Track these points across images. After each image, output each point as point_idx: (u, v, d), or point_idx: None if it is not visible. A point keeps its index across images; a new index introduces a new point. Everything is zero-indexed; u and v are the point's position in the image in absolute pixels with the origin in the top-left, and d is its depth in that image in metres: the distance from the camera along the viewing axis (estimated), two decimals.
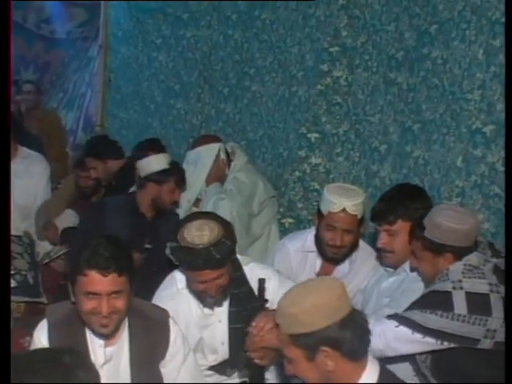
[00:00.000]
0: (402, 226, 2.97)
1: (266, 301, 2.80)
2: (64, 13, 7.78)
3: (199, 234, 2.65)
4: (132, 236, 3.71)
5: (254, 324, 2.68)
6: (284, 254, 3.51)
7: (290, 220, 4.55)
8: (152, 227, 3.92)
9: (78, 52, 7.42)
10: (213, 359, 2.93)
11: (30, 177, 4.65)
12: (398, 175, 4.13)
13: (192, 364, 2.70)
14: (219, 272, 2.69)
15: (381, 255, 3.19)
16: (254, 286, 2.80)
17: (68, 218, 4.86)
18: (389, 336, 2.59)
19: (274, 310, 2.74)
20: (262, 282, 2.73)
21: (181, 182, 4.10)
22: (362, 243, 3.43)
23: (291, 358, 2.02)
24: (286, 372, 2.08)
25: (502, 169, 3.62)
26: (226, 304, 2.87)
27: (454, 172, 3.84)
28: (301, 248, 3.45)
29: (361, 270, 3.42)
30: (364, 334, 2.04)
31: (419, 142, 4.02)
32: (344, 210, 3.17)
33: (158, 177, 3.97)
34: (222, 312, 2.88)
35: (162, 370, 2.62)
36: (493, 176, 3.68)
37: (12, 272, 4.17)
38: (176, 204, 4.12)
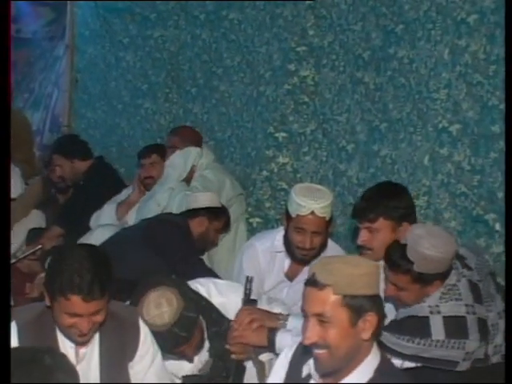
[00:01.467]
0: (382, 224, 2.93)
1: (255, 301, 2.82)
2: (30, 12, 7.68)
3: (159, 313, 2.58)
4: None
5: (235, 318, 2.69)
6: (252, 253, 3.45)
7: (258, 219, 4.55)
8: None
9: (44, 52, 7.34)
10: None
11: None
12: (366, 174, 4.14)
13: (159, 365, 2.65)
14: (189, 343, 2.67)
15: (360, 251, 3.14)
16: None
17: (35, 219, 4.84)
18: None
19: (254, 307, 2.78)
20: (248, 280, 2.74)
21: (226, 226, 4.12)
22: (330, 243, 3.41)
23: (333, 319, 1.95)
24: (307, 340, 1.98)
25: (469, 167, 3.66)
26: (205, 347, 2.82)
27: (421, 171, 3.86)
28: (269, 248, 3.41)
29: None
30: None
31: (386, 141, 4.03)
32: (313, 212, 3.12)
33: (215, 213, 3.98)
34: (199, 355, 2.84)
35: (130, 371, 2.58)
36: (459, 175, 3.70)
37: None
38: (215, 245, 4.13)
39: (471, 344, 2.53)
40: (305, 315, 2.01)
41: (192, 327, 2.62)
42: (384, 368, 2.03)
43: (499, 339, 2.62)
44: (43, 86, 7.13)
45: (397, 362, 2.55)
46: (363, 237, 2.98)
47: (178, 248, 3.65)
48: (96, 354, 2.52)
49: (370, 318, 1.96)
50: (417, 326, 2.56)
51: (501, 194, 3.52)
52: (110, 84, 5.78)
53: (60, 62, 6.48)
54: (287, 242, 3.29)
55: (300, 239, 3.20)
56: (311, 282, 1.98)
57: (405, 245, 2.63)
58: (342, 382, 2.01)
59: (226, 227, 4.11)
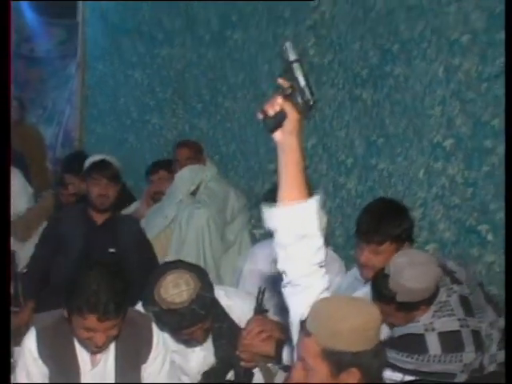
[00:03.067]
0: (388, 247, 2.81)
1: (266, 311, 2.75)
2: (44, 32, 7.75)
3: (178, 292, 2.54)
4: None
5: (245, 327, 2.64)
6: (254, 260, 3.45)
7: (261, 231, 4.51)
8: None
9: (56, 70, 7.40)
10: (186, 379, 2.88)
11: (16, 187, 4.65)
12: (364, 187, 4.14)
13: (169, 367, 2.68)
14: (204, 323, 2.64)
15: (360, 267, 3.03)
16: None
17: None
18: None
19: (265, 317, 2.72)
20: (261, 290, 2.69)
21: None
22: (329, 252, 3.34)
23: (314, 368, 1.84)
24: (294, 377, 1.90)
25: (462, 181, 3.66)
26: (210, 341, 2.79)
27: (417, 184, 3.86)
28: (269, 255, 3.40)
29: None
30: (384, 365, 1.95)
31: (383, 155, 4.04)
32: None
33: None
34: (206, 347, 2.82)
35: (143, 373, 2.61)
36: (453, 188, 3.70)
37: None
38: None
39: (468, 356, 2.51)
40: (296, 355, 1.92)
41: (209, 306, 2.58)
42: None
43: (494, 349, 2.61)
44: (56, 102, 7.19)
45: (397, 375, 2.54)
46: (367, 257, 2.87)
47: None
48: (111, 359, 2.56)
49: (353, 373, 1.81)
50: (414, 343, 2.53)
51: (493, 206, 3.52)
52: (119, 100, 5.82)
53: (72, 79, 6.54)
54: None
55: None
56: (302, 326, 1.89)
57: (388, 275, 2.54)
58: None
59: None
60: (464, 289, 2.67)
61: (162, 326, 2.65)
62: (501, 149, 3.47)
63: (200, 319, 2.58)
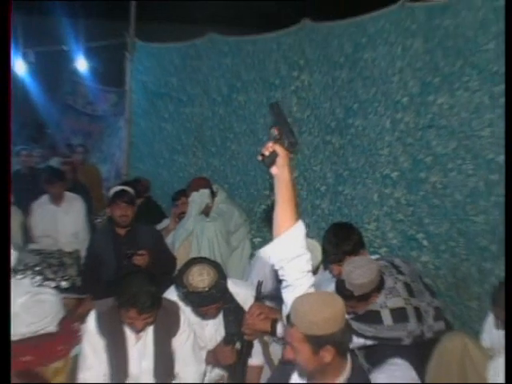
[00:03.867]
0: (348, 258, 2.80)
1: (264, 298, 2.74)
2: (101, 97, 7.86)
3: (201, 279, 2.56)
4: None
5: (248, 311, 2.62)
6: (258, 261, 3.41)
7: (259, 239, 4.51)
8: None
9: (110, 124, 7.45)
10: (201, 343, 2.85)
11: (73, 212, 4.68)
12: (334, 207, 4.14)
13: (192, 340, 2.67)
14: (218, 303, 2.65)
15: (332, 274, 3.01)
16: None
17: None
18: None
19: (262, 303, 2.70)
20: (259, 283, 2.67)
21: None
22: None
23: (298, 349, 1.84)
24: (286, 356, 1.89)
25: (405, 202, 3.65)
26: (220, 316, 2.80)
27: (372, 204, 3.86)
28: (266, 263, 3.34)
29: None
30: (351, 336, 1.95)
31: (348, 183, 4.04)
32: None
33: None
34: (217, 322, 2.81)
35: (173, 344, 2.61)
36: (398, 207, 3.70)
37: (66, 277, 4.13)
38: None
39: (411, 326, 2.52)
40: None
41: (223, 291, 2.61)
42: (353, 378, 1.92)
43: (431, 321, 2.60)
44: (110, 147, 7.25)
45: (360, 341, 2.55)
46: (336, 271, 2.87)
47: None
48: (150, 335, 2.56)
49: (329, 349, 1.83)
50: (372, 317, 2.54)
51: (427, 220, 3.52)
52: (155, 145, 5.79)
53: (121, 131, 6.58)
54: None
55: None
56: (287, 317, 1.87)
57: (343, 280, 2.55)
58: None
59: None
60: (407, 278, 2.67)
61: (188, 303, 2.66)
62: (432, 179, 3.50)
63: (216, 300, 2.60)
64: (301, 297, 1.92)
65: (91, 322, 2.56)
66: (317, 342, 1.82)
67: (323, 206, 4.23)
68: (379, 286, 2.57)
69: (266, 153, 1.97)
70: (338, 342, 1.84)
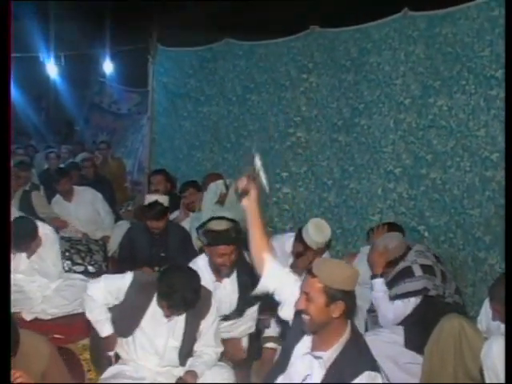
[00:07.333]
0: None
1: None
2: (125, 97, 7.89)
3: (220, 223, 2.74)
4: None
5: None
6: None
7: (270, 229, 4.49)
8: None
9: (134, 122, 7.47)
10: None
11: (84, 203, 4.71)
12: (340, 200, 4.13)
13: (216, 325, 2.64)
14: (232, 248, 2.70)
15: None
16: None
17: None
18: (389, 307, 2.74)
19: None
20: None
21: None
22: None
23: (314, 299, 1.88)
24: (298, 306, 1.91)
25: (407, 196, 3.65)
26: (233, 275, 2.83)
27: (376, 198, 3.86)
28: (281, 246, 3.26)
29: None
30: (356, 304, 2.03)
31: (353, 178, 4.02)
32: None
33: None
34: (229, 282, 2.83)
35: (201, 325, 2.56)
36: (401, 201, 3.70)
37: (92, 263, 4.19)
38: None
39: (437, 279, 2.70)
40: (300, 291, 1.94)
41: (238, 234, 2.70)
42: (352, 341, 1.92)
43: (452, 290, 2.77)
44: (133, 143, 7.27)
45: (399, 303, 2.69)
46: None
47: None
48: (183, 316, 2.49)
49: (340, 305, 1.87)
50: (405, 272, 2.72)
51: (427, 213, 3.52)
52: (175, 141, 5.78)
53: (144, 128, 6.59)
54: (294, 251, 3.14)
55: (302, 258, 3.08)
56: (309, 271, 1.93)
57: None
58: (326, 353, 1.90)
59: None
60: (429, 256, 2.84)
61: (208, 240, 2.73)
62: (433, 175, 3.50)
63: (231, 240, 2.68)
64: (328, 258, 2.06)
65: (128, 277, 2.53)
66: (332, 295, 1.87)
67: (330, 198, 4.22)
68: (406, 252, 2.78)
69: (240, 186, 2.13)
70: (349, 301, 1.90)
